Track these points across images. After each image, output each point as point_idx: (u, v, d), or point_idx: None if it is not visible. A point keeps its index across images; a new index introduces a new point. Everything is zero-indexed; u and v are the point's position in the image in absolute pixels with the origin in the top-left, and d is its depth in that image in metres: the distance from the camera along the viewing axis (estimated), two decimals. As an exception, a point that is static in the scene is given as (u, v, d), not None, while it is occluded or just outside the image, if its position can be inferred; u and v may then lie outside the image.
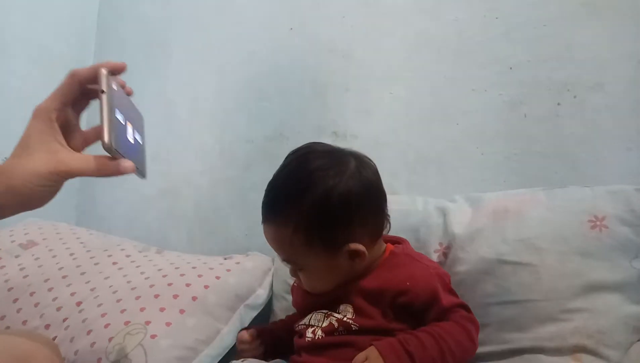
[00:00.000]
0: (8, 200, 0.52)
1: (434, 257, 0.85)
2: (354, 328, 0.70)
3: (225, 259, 1.05)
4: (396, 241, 0.80)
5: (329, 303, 0.74)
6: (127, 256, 1.08)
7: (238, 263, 1.03)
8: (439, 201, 0.89)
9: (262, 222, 0.74)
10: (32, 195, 0.53)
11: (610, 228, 0.73)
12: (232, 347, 0.89)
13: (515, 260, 0.76)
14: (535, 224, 0.77)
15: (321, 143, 0.76)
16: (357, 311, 0.71)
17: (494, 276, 0.77)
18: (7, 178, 0.52)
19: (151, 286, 0.93)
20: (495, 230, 0.80)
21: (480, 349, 0.72)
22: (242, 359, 0.80)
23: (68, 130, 0.58)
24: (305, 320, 0.75)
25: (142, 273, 0.98)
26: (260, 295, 0.98)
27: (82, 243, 1.13)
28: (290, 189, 0.71)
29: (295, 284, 0.83)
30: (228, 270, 1.00)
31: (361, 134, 1.12)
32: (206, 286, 0.93)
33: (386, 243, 0.78)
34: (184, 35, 1.41)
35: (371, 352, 0.64)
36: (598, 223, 0.74)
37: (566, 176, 0.91)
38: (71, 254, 1.08)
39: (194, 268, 0.99)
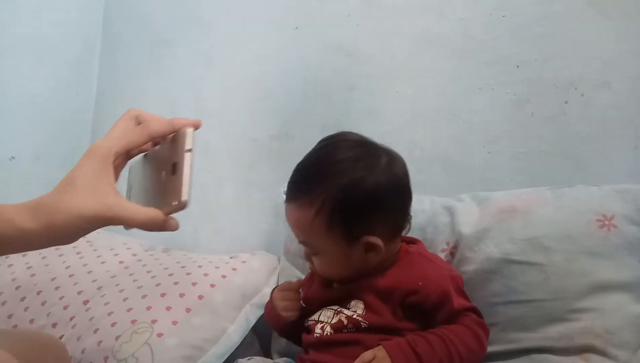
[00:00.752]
0: (43, 237, 0.49)
1: (441, 257, 0.84)
2: (363, 326, 0.70)
3: (231, 258, 1.05)
4: (411, 241, 0.80)
5: (341, 298, 0.74)
6: (134, 255, 1.08)
7: (244, 262, 1.03)
8: (446, 200, 0.89)
9: (286, 201, 0.75)
10: (70, 235, 0.50)
11: (619, 228, 0.73)
12: (238, 345, 0.90)
13: (523, 259, 0.76)
14: (542, 224, 0.77)
15: (355, 133, 0.77)
16: (368, 307, 0.71)
17: (501, 276, 0.77)
18: (48, 214, 0.48)
19: (157, 285, 0.93)
20: (503, 229, 0.79)
21: (488, 349, 0.71)
22: (247, 357, 0.80)
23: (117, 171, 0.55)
24: (315, 316, 0.75)
25: (148, 272, 0.98)
26: (267, 294, 0.98)
27: (88, 242, 1.14)
28: (320, 172, 0.72)
29: (308, 276, 0.83)
30: (234, 269, 1.00)
31: (366, 133, 1.11)
32: (212, 285, 0.94)
33: (401, 242, 0.77)
34: (188, 35, 1.41)
35: (379, 352, 0.64)
36: (607, 222, 0.74)
37: (573, 174, 0.91)
38: (78, 253, 1.08)
39: (200, 267, 0.99)
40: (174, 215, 0.53)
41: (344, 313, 0.72)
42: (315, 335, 0.73)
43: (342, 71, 1.15)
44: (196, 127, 0.55)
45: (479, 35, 1.00)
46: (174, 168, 0.52)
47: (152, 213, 0.51)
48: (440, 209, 0.88)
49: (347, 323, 0.71)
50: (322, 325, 0.73)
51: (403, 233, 0.76)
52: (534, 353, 0.72)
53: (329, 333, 0.72)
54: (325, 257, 0.73)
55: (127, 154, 0.56)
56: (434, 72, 1.05)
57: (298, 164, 0.75)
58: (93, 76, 1.58)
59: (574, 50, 0.92)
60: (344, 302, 0.74)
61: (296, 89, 1.20)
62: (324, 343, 0.72)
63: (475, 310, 0.70)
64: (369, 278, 0.72)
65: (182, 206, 0.51)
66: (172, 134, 0.54)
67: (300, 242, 0.75)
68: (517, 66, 0.96)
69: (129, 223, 0.50)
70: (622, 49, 0.89)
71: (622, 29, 0.90)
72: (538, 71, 0.95)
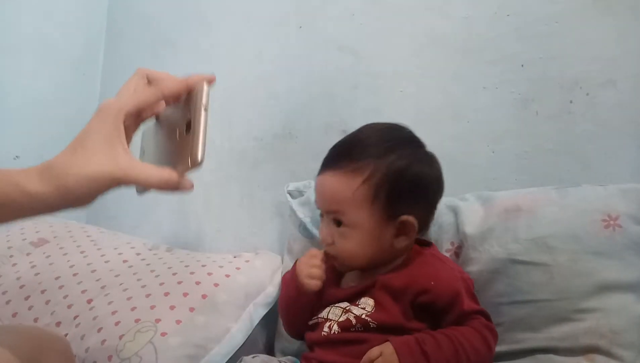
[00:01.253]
0: (54, 200, 0.47)
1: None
2: (371, 326, 0.70)
3: (234, 257, 1.05)
4: (424, 243, 0.80)
5: (351, 296, 0.74)
6: (138, 254, 1.08)
7: (247, 261, 1.03)
8: (450, 200, 0.89)
9: (324, 167, 0.74)
10: (82, 197, 0.48)
11: (624, 227, 0.72)
12: (242, 345, 0.90)
13: (527, 259, 0.75)
14: (547, 224, 0.77)
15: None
16: (378, 305, 0.71)
17: (505, 276, 0.77)
18: (57, 177, 0.47)
19: (161, 284, 0.93)
20: (507, 229, 0.79)
21: (492, 349, 0.71)
22: (253, 355, 0.80)
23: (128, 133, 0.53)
24: (323, 314, 0.75)
25: (152, 271, 0.99)
26: (270, 293, 0.98)
27: (92, 241, 1.14)
28: (370, 145, 0.73)
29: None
30: (238, 268, 1.00)
31: (370, 132, 1.11)
32: (216, 285, 0.94)
33: (414, 243, 0.78)
34: (192, 34, 1.41)
35: (386, 348, 0.63)
36: (612, 222, 0.73)
37: (578, 174, 0.90)
38: (82, 252, 1.09)
39: (203, 266, 1.00)
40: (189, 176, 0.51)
41: (353, 313, 0.72)
42: (322, 333, 0.73)
43: (346, 70, 1.14)
44: (211, 82, 0.53)
45: (483, 34, 1.00)
46: (188, 126, 0.50)
47: (166, 173, 0.49)
48: (445, 209, 0.88)
49: (355, 323, 0.71)
50: (329, 323, 0.73)
51: (425, 231, 0.77)
52: (538, 354, 0.72)
53: (336, 332, 0.72)
54: (356, 233, 0.71)
55: (139, 115, 0.54)
56: (438, 71, 1.04)
57: (342, 139, 0.76)
58: (97, 76, 1.58)
59: (578, 49, 0.92)
60: (353, 299, 0.73)
61: (300, 88, 1.20)
62: (330, 342, 0.72)
63: (484, 314, 0.70)
64: (382, 275, 0.72)
65: (196, 164, 0.49)
66: (186, 93, 0.53)
67: (332, 212, 0.73)
68: (522, 65, 0.96)
69: (141, 183, 0.49)
70: (628, 48, 0.89)
71: (627, 27, 0.89)
72: (543, 70, 0.94)
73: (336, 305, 0.75)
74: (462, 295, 0.69)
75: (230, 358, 0.87)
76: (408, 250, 0.76)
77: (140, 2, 1.53)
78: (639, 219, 0.73)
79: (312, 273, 0.73)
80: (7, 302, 0.98)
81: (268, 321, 0.99)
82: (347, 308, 0.73)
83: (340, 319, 0.72)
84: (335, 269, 0.78)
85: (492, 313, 0.72)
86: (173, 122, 0.53)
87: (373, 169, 0.70)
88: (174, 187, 0.50)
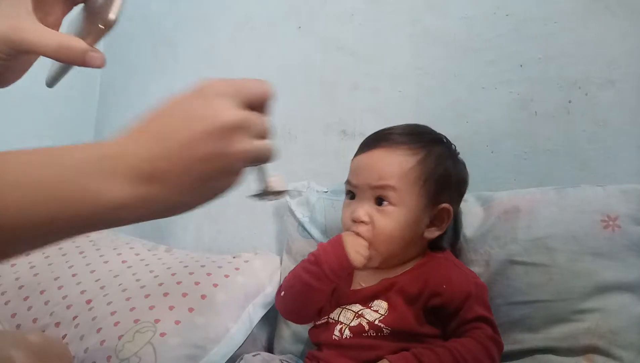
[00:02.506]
0: None
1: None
2: (385, 332, 0.69)
3: (233, 257, 1.05)
4: (438, 248, 0.80)
5: (364, 297, 0.73)
6: (137, 254, 1.08)
7: (247, 261, 1.03)
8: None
9: (374, 144, 0.75)
10: None
11: (623, 228, 0.72)
12: (241, 345, 0.90)
13: (527, 260, 0.76)
14: (546, 224, 0.77)
15: None
16: (391, 309, 0.70)
17: (505, 277, 0.77)
18: None
19: (160, 284, 0.93)
20: (506, 230, 0.79)
21: (491, 349, 0.71)
22: (254, 353, 0.80)
23: (44, 2, 0.46)
24: (334, 315, 0.75)
25: (151, 271, 0.98)
26: (269, 294, 0.98)
27: (91, 241, 1.14)
28: (424, 133, 0.79)
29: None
30: (237, 269, 1.00)
31: (370, 132, 1.11)
32: (215, 285, 0.94)
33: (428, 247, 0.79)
34: (191, 34, 1.41)
35: None
36: (611, 222, 0.73)
37: (577, 174, 0.90)
38: (81, 252, 1.09)
39: (202, 266, 0.99)
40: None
41: (366, 318, 0.71)
42: (333, 337, 0.72)
43: (345, 70, 1.14)
44: None
45: (483, 34, 1.00)
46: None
47: (70, 40, 0.42)
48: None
49: (368, 329, 0.70)
50: (341, 326, 0.72)
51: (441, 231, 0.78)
52: (537, 354, 0.72)
53: (347, 337, 0.71)
54: (399, 212, 0.71)
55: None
56: (438, 71, 1.04)
57: (389, 127, 0.79)
58: (96, 76, 1.58)
59: (578, 49, 0.92)
60: (366, 302, 0.73)
61: (299, 88, 1.20)
62: (341, 346, 0.71)
63: (491, 323, 0.69)
64: (398, 277, 0.72)
65: (108, 25, 0.43)
66: None
67: (379, 188, 0.71)
68: (521, 65, 0.96)
69: (39, 48, 0.42)
70: (627, 48, 0.89)
71: (626, 27, 0.89)
72: (542, 70, 0.94)
73: (347, 307, 0.74)
74: (472, 300, 0.69)
75: (229, 359, 0.87)
76: (421, 254, 0.77)
77: (140, 2, 1.53)
78: (638, 219, 0.73)
79: (360, 250, 0.71)
80: (6, 303, 0.98)
81: (267, 321, 0.99)
82: (360, 313, 0.72)
83: (352, 324, 0.71)
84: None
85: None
86: (97, 5, 0.48)
87: (426, 154, 0.74)
88: (77, 56, 0.42)
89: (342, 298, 0.76)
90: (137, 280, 0.96)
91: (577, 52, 0.92)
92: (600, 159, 0.89)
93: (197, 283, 0.93)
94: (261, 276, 1.01)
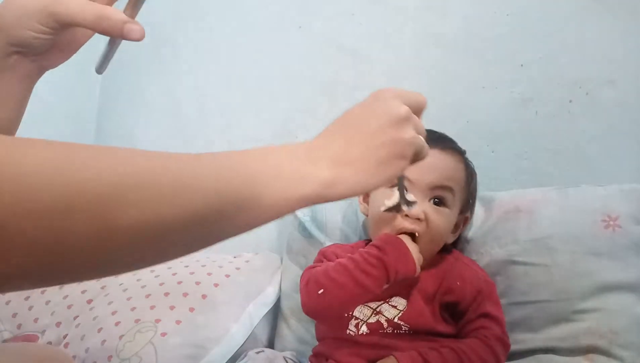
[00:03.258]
0: (1, 40, 0.43)
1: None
2: (403, 329, 0.69)
3: (234, 257, 1.05)
4: (445, 250, 0.80)
5: (384, 295, 0.72)
6: (137, 254, 1.08)
7: (247, 261, 1.03)
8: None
9: (441, 144, 0.74)
10: (27, 39, 0.43)
11: (624, 228, 0.73)
12: (242, 345, 0.90)
13: (528, 260, 0.76)
14: (547, 224, 0.77)
15: None
16: (410, 305, 0.70)
17: (506, 277, 0.77)
18: None
19: (161, 284, 0.93)
20: (507, 230, 0.79)
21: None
22: (257, 350, 0.80)
23: None
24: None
25: (151, 271, 0.98)
26: (270, 294, 0.98)
27: (92, 241, 1.14)
28: (454, 142, 0.80)
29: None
30: (237, 269, 1.00)
31: (370, 132, 1.11)
32: (216, 285, 0.94)
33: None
34: (191, 35, 1.41)
35: (389, 360, 0.64)
36: (611, 222, 0.73)
37: (578, 174, 0.90)
38: (81, 252, 1.09)
39: (203, 266, 0.99)
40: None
41: (384, 315, 0.71)
42: (348, 332, 0.71)
43: (346, 70, 1.14)
44: None
45: (483, 34, 1.00)
46: None
47: (109, 10, 0.43)
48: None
49: (386, 326, 0.70)
50: (357, 321, 0.72)
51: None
52: (538, 354, 0.72)
53: (364, 333, 0.70)
54: (450, 215, 0.73)
55: None
56: (438, 71, 1.04)
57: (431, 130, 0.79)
58: (97, 76, 1.58)
59: (578, 48, 0.92)
60: (385, 298, 0.72)
61: (300, 88, 1.20)
62: (356, 343, 0.70)
63: (500, 322, 0.70)
64: (419, 275, 0.72)
65: None
66: None
67: (441, 188, 0.72)
68: (521, 65, 0.96)
69: (77, 19, 0.43)
70: (627, 47, 0.89)
71: (627, 27, 0.89)
72: (542, 70, 0.94)
73: (365, 304, 0.72)
74: (482, 297, 0.70)
75: (230, 358, 0.87)
76: (435, 256, 0.77)
77: (140, 2, 1.53)
78: (638, 219, 0.73)
79: (418, 256, 0.69)
80: (7, 303, 0.98)
81: (268, 320, 0.99)
82: (378, 310, 0.72)
83: (370, 320, 0.71)
84: None
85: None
86: None
87: (466, 162, 0.78)
88: (116, 27, 0.44)
89: None
90: (138, 280, 0.96)
91: (578, 52, 0.92)
92: (601, 159, 0.89)
93: (197, 283, 0.93)
94: (262, 276, 1.01)
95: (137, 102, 1.46)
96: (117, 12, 0.44)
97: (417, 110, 0.48)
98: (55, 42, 0.46)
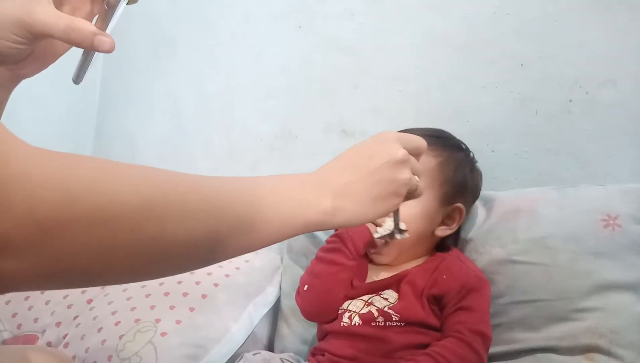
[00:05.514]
0: None
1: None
2: (394, 319, 0.71)
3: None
4: (446, 248, 0.82)
5: (376, 288, 0.75)
6: (137, 254, 1.08)
7: (247, 261, 1.03)
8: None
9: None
10: (2, 50, 0.44)
11: (624, 227, 0.72)
12: (242, 345, 0.90)
13: (527, 259, 0.76)
14: (547, 224, 0.77)
15: None
16: (402, 298, 0.72)
17: (505, 276, 0.77)
18: None
19: (161, 284, 0.93)
20: (507, 229, 0.79)
21: (492, 349, 0.71)
22: (254, 352, 0.80)
23: None
24: (344, 305, 0.76)
25: (151, 271, 0.99)
26: (270, 293, 0.98)
27: (92, 241, 1.14)
28: (446, 137, 0.84)
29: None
30: (237, 268, 1.00)
31: (370, 131, 1.11)
32: (216, 285, 0.94)
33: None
34: (191, 34, 1.40)
35: None
36: (611, 222, 0.73)
37: (578, 173, 0.90)
38: (81, 252, 1.09)
39: (203, 266, 0.99)
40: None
41: (375, 305, 0.73)
42: (342, 324, 0.73)
43: (346, 70, 1.14)
44: None
45: (483, 34, 1.00)
46: None
47: (78, 21, 0.44)
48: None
49: (377, 316, 0.72)
50: (350, 314, 0.74)
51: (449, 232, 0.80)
52: (538, 353, 0.72)
53: (357, 324, 0.72)
54: (415, 205, 0.73)
55: None
56: (438, 71, 1.04)
57: (415, 128, 0.81)
58: (97, 76, 1.58)
59: (578, 48, 0.92)
60: (377, 291, 0.75)
61: (300, 87, 1.20)
62: (349, 334, 0.73)
63: (479, 314, 0.70)
64: (407, 271, 0.75)
65: (112, 5, 0.45)
66: None
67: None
68: (521, 64, 0.96)
69: (49, 30, 0.43)
70: (627, 47, 0.89)
71: (627, 26, 0.89)
72: (542, 69, 0.94)
73: (358, 297, 0.75)
74: (468, 291, 0.71)
75: (229, 358, 0.87)
76: (430, 253, 0.80)
77: (140, 2, 1.53)
78: (638, 219, 0.73)
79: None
80: (7, 302, 0.98)
81: (268, 320, 0.99)
82: (369, 301, 0.74)
83: (362, 311, 0.73)
84: (362, 264, 0.80)
85: (492, 313, 0.73)
86: None
87: (446, 158, 0.79)
88: (85, 38, 0.44)
89: (354, 291, 0.77)
90: (138, 280, 0.96)
91: (578, 52, 0.92)
92: (601, 159, 0.89)
93: (197, 283, 0.93)
94: (262, 276, 1.01)
95: (137, 102, 1.46)
96: (86, 24, 0.44)
97: (416, 153, 0.53)
98: (31, 51, 0.47)
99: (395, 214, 0.61)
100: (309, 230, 0.45)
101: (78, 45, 0.45)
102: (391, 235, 0.62)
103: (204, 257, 0.38)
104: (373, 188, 0.48)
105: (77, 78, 0.52)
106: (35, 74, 0.52)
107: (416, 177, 0.52)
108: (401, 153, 0.50)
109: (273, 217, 0.42)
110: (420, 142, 0.53)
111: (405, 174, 0.50)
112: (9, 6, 0.43)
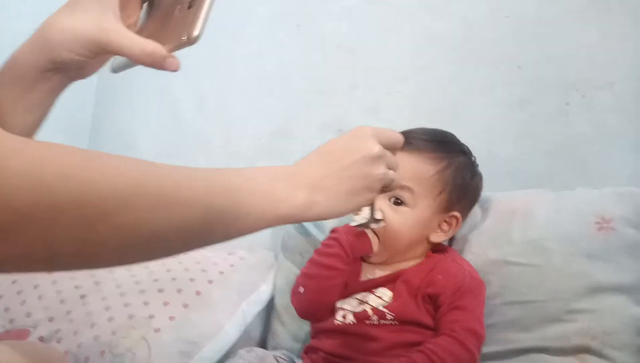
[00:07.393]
0: (43, 55, 0.46)
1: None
2: (388, 317, 0.71)
3: (229, 254, 1.05)
4: (441, 251, 0.82)
5: (370, 286, 0.75)
6: (132, 250, 1.08)
7: (242, 258, 1.03)
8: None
9: (408, 146, 0.74)
10: (67, 59, 0.46)
11: (617, 230, 0.73)
12: (235, 342, 0.89)
13: (522, 261, 0.76)
14: (542, 225, 0.77)
15: None
16: (396, 297, 0.72)
17: (500, 277, 0.77)
18: (43, 30, 0.46)
19: (155, 280, 0.93)
20: (502, 230, 0.80)
21: (485, 349, 0.71)
22: (248, 348, 0.80)
23: (127, 6, 0.51)
24: (338, 303, 0.76)
25: (146, 267, 0.98)
26: (264, 291, 0.98)
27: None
28: (447, 141, 0.82)
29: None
30: (232, 266, 1.00)
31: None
32: (210, 282, 0.94)
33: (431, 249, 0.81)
34: (190, 32, 1.40)
35: None
36: (605, 224, 0.73)
37: (574, 176, 0.90)
38: (76, 247, 1.08)
39: (197, 263, 0.99)
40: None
41: (369, 304, 0.73)
42: (335, 322, 0.73)
43: (344, 69, 1.14)
44: None
45: (481, 35, 1.00)
46: (191, 2, 0.48)
47: (151, 45, 0.47)
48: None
49: (371, 314, 0.71)
50: (344, 312, 0.74)
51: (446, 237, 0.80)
52: (530, 354, 0.72)
53: (351, 322, 0.72)
54: (410, 214, 0.75)
55: None
56: (436, 72, 1.04)
57: (417, 128, 0.80)
58: (93, 75, 1.58)
59: (575, 51, 0.92)
60: (371, 289, 0.75)
61: (298, 86, 1.20)
62: (342, 333, 0.73)
63: (473, 314, 0.70)
64: (402, 270, 0.75)
65: (191, 41, 0.47)
66: None
67: (401, 188, 0.74)
68: (519, 67, 0.96)
69: (124, 52, 0.47)
70: (625, 50, 0.89)
71: (624, 29, 0.89)
72: (540, 72, 0.95)
73: (353, 296, 0.75)
74: (463, 291, 0.70)
75: (223, 355, 0.86)
76: (424, 254, 0.79)
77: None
78: (632, 222, 0.74)
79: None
80: None
81: (261, 318, 0.99)
82: (364, 300, 0.74)
83: (357, 310, 0.73)
84: (357, 263, 0.79)
85: (486, 313, 0.73)
86: (182, 15, 0.50)
87: (447, 164, 0.77)
88: (157, 61, 0.48)
89: (348, 290, 0.77)
90: (132, 276, 0.95)
91: (576, 54, 0.92)
92: (597, 161, 0.89)
93: (192, 280, 0.93)
94: (256, 274, 1.00)
95: (134, 101, 1.45)
96: (157, 47, 0.48)
97: (392, 147, 0.54)
98: (90, 62, 0.50)
99: (372, 205, 0.61)
100: (284, 222, 0.45)
101: (149, 66, 0.48)
102: (367, 224, 0.62)
103: (178, 246, 0.39)
104: (347, 183, 0.49)
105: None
106: (87, 77, 0.55)
107: (392, 171, 0.52)
108: (377, 148, 0.50)
109: (248, 209, 0.42)
110: (396, 137, 0.54)
111: (379, 169, 0.50)
112: (83, 24, 0.45)
